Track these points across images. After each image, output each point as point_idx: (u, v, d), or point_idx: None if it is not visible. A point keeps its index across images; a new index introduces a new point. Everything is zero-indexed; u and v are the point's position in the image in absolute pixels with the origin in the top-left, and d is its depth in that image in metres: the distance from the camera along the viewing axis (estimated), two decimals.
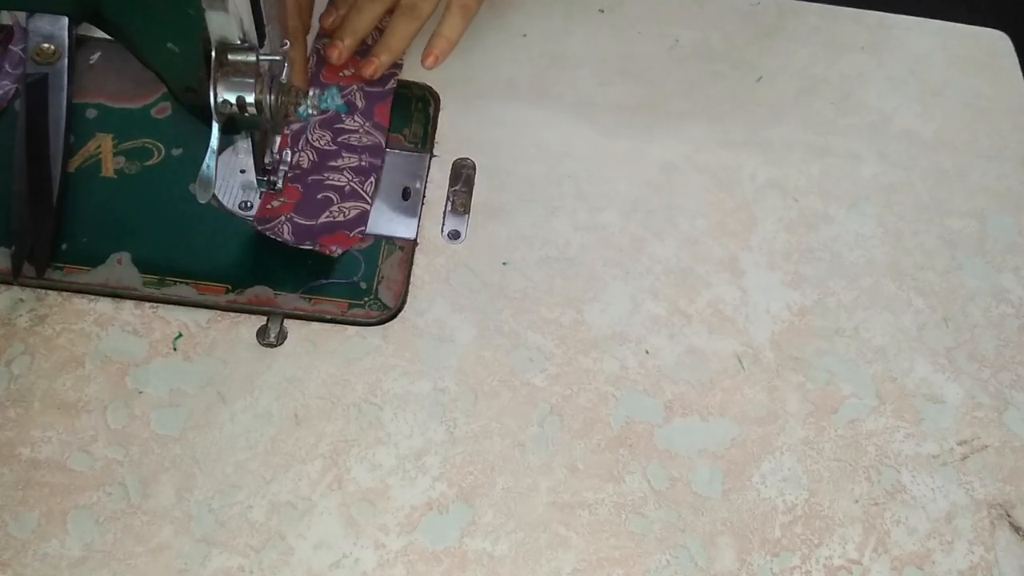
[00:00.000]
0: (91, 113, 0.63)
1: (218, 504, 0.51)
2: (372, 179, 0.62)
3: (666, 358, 0.58)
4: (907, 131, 0.70)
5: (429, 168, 0.64)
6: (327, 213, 0.60)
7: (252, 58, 0.49)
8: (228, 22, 0.48)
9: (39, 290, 0.56)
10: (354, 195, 0.61)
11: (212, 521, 0.50)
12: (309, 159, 0.62)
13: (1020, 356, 0.60)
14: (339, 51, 0.65)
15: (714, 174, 0.66)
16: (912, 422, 0.57)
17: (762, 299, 0.61)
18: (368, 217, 0.60)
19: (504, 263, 0.60)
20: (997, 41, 0.75)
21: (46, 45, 0.63)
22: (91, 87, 0.64)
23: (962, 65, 0.74)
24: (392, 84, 0.66)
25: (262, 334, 0.56)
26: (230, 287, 0.57)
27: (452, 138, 0.65)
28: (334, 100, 0.61)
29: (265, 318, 0.57)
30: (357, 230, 0.60)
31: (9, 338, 0.54)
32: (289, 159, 0.61)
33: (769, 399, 0.57)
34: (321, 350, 0.56)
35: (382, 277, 0.59)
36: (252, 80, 0.50)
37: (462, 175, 0.64)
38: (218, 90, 0.50)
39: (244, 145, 0.57)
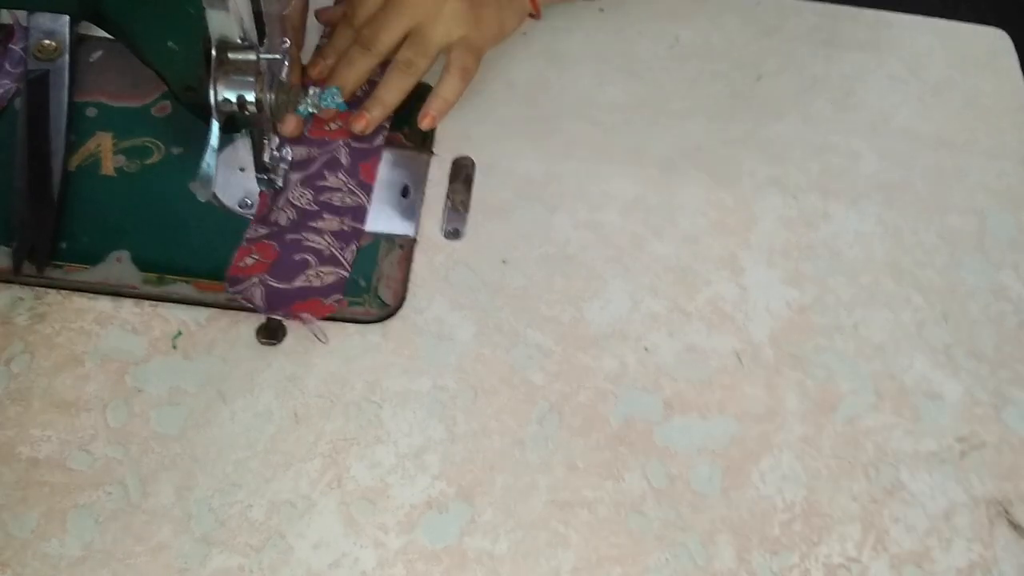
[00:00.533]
0: (91, 112, 0.63)
1: (218, 503, 0.51)
2: (354, 246, 0.59)
3: (665, 355, 0.58)
4: (907, 129, 0.70)
5: (429, 166, 0.64)
6: (303, 276, 0.57)
7: (252, 57, 0.50)
8: (228, 21, 0.48)
9: (39, 288, 0.56)
10: (333, 260, 0.58)
11: (212, 520, 0.50)
12: (288, 217, 0.59)
13: (1019, 353, 0.60)
14: (366, 121, 0.62)
15: (714, 172, 0.66)
16: (911, 419, 0.57)
17: (761, 296, 0.61)
18: (344, 284, 0.57)
19: (504, 261, 0.60)
20: (997, 40, 0.75)
21: (47, 42, 0.63)
22: (91, 86, 0.64)
23: (962, 64, 0.74)
24: (379, 141, 0.64)
25: (261, 332, 0.56)
26: (229, 285, 0.57)
27: (452, 136, 0.65)
28: (334, 99, 0.58)
29: (264, 316, 0.57)
30: (333, 298, 0.57)
31: (9, 336, 0.54)
32: (289, 157, 0.61)
33: (768, 396, 0.57)
34: (320, 348, 0.56)
35: (381, 275, 0.59)
36: (252, 79, 0.50)
37: (462, 173, 0.64)
38: (218, 89, 0.50)
39: (244, 143, 0.57)
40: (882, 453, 0.56)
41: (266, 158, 0.58)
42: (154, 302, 0.56)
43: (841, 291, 0.61)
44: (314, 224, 0.59)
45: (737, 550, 0.52)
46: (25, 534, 0.49)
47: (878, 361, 0.59)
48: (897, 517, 0.54)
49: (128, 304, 0.56)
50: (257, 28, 0.50)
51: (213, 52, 0.49)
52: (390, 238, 0.60)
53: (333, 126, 0.63)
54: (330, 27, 0.67)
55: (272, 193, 0.60)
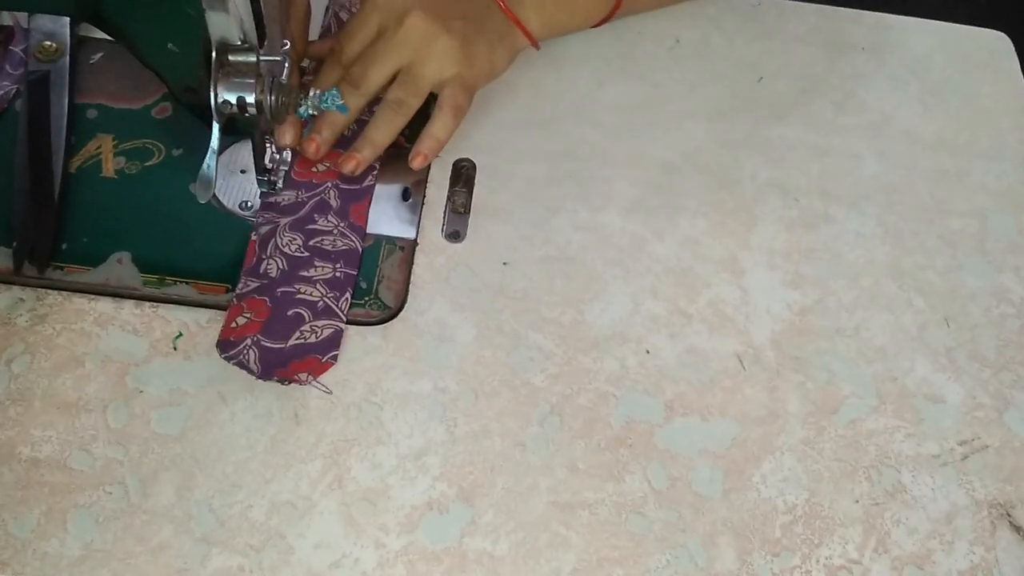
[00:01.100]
0: (92, 113, 0.63)
1: (218, 504, 0.51)
2: (348, 295, 0.57)
3: (666, 358, 0.58)
4: (907, 131, 0.70)
5: (429, 168, 0.64)
6: (297, 334, 0.55)
7: (252, 58, 0.50)
8: (228, 22, 0.48)
9: (39, 289, 0.56)
10: (328, 312, 0.56)
11: (212, 521, 0.50)
12: (278, 267, 0.57)
13: (1021, 356, 0.60)
14: (316, 145, 0.60)
15: (714, 174, 0.66)
16: (912, 422, 0.57)
17: (762, 299, 0.61)
18: (341, 338, 0.55)
19: (504, 263, 0.60)
20: (997, 41, 0.75)
21: (48, 43, 0.63)
22: (92, 87, 0.64)
23: (962, 65, 0.74)
24: (370, 181, 0.62)
25: None
26: (230, 287, 0.57)
27: (452, 138, 0.65)
28: (334, 101, 0.57)
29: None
30: (330, 355, 0.55)
31: (9, 337, 0.54)
32: (289, 159, 0.61)
33: (769, 399, 0.57)
34: None
35: (382, 277, 0.59)
36: (252, 80, 0.50)
37: (462, 175, 0.64)
38: (218, 90, 0.50)
39: (244, 145, 0.57)
40: (884, 455, 0.56)
41: (267, 160, 0.58)
42: (155, 303, 0.56)
43: (842, 293, 0.61)
44: (306, 273, 0.57)
45: (738, 552, 0.52)
46: (25, 534, 0.49)
47: (879, 363, 0.59)
48: (899, 519, 0.54)
49: (129, 305, 0.56)
50: (257, 30, 0.50)
51: (213, 54, 0.49)
52: (391, 240, 0.60)
53: (321, 167, 0.61)
54: (317, 62, 0.65)
55: (259, 239, 0.58)
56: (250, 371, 0.53)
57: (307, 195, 0.60)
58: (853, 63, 0.73)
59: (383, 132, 0.61)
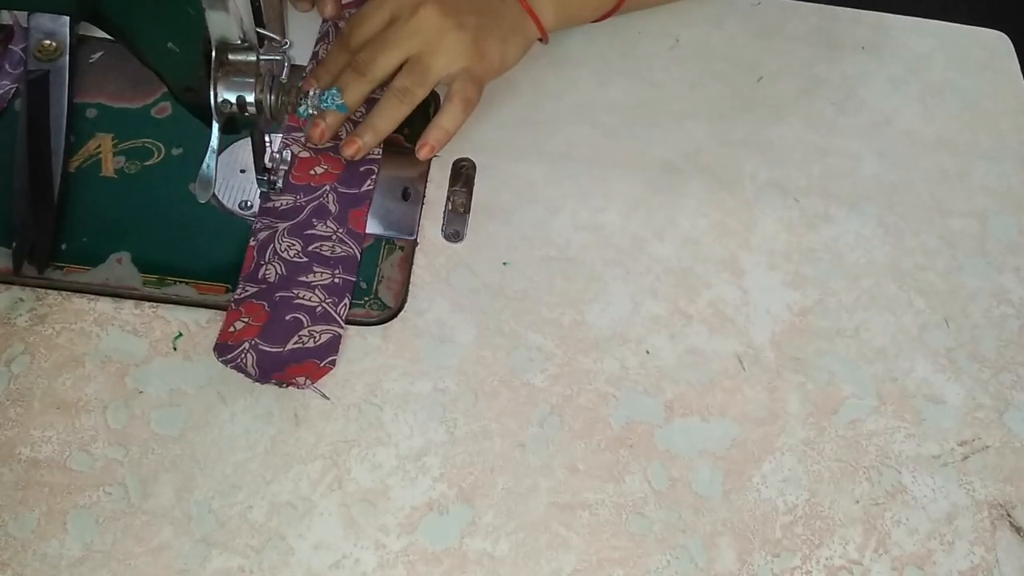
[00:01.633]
0: (91, 113, 0.63)
1: (218, 504, 0.51)
2: (346, 300, 0.57)
3: (666, 358, 0.58)
4: (907, 131, 0.70)
5: (429, 168, 0.64)
6: (296, 339, 0.55)
7: (252, 58, 0.49)
8: (228, 22, 0.48)
9: (39, 289, 0.56)
10: (326, 317, 0.55)
11: (212, 521, 0.50)
12: (277, 272, 0.57)
13: (1021, 356, 0.60)
14: (321, 129, 0.61)
15: (714, 174, 0.66)
16: (913, 422, 0.57)
17: (762, 299, 0.61)
18: (340, 343, 0.55)
19: (504, 263, 0.60)
20: (997, 41, 0.75)
21: (48, 42, 0.63)
22: (91, 86, 0.64)
23: (962, 65, 0.74)
24: (368, 186, 0.61)
25: None
26: (230, 287, 0.57)
27: (452, 138, 0.65)
28: (334, 100, 0.57)
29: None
30: (328, 359, 0.54)
31: (9, 337, 0.54)
32: (289, 158, 0.61)
33: (770, 399, 0.57)
34: None
35: (382, 277, 0.59)
36: (252, 80, 0.50)
37: (462, 175, 0.64)
38: (218, 90, 0.50)
39: (244, 145, 0.57)
40: (884, 456, 0.56)
41: (266, 160, 0.58)
42: (154, 303, 0.56)
43: (842, 294, 0.61)
44: (304, 279, 0.57)
45: (738, 552, 0.52)
46: (25, 534, 0.49)
47: (880, 364, 0.59)
48: (899, 520, 0.54)
49: (128, 305, 0.56)
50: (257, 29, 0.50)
51: (213, 53, 0.49)
52: (391, 240, 0.60)
53: (319, 170, 0.61)
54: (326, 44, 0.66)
55: (257, 245, 0.58)
56: (248, 374, 0.53)
57: (305, 199, 0.60)
58: (853, 63, 0.73)
59: (386, 119, 0.61)
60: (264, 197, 0.60)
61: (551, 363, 0.57)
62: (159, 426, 0.53)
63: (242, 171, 0.61)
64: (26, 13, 0.63)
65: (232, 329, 0.55)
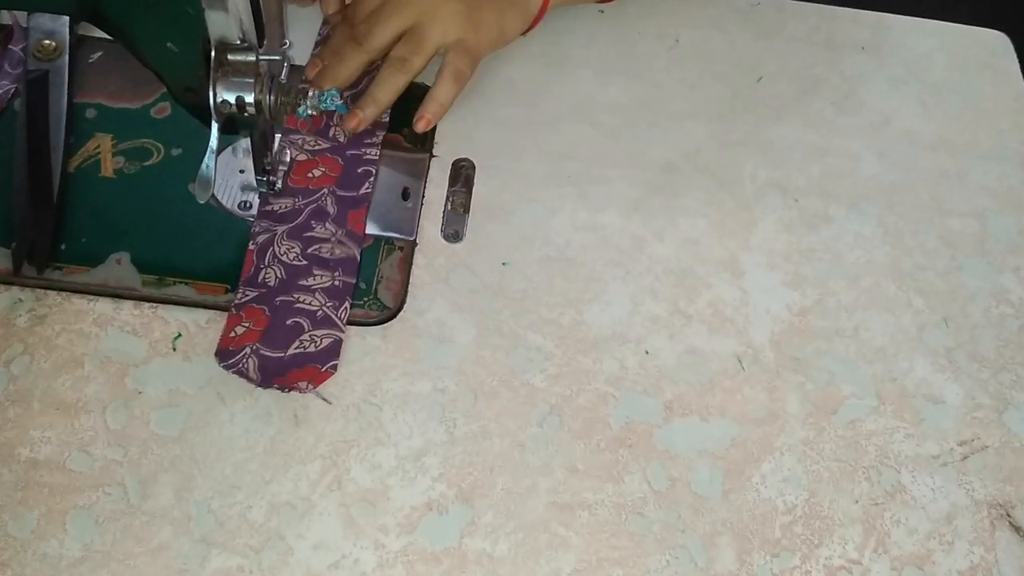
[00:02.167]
0: (90, 113, 0.63)
1: (217, 504, 0.51)
2: (347, 304, 0.56)
3: (666, 358, 0.58)
4: (907, 131, 0.70)
5: (429, 168, 0.64)
6: (297, 343, 0.54)
7: (252, 58, 0.49)
8: (228, 22, 0.48)
9: (38, 290, 0.56)
10: (327, 322, 0.55)
11: (211, 521, 0.50)
12: (276, 276, 0.56)
13: (1020, 356, 0.60)
14: (358, 119, 0.61)
15: (714, 174, 0.66)
16: (912, 422, 0.57)
17: (762, 299, 0.61)
18: (341, 347, 0.55)
19: (504, 263, 0.60)
20: (997, 41, 0.75)
21: (47, 42, 0.63)
22: (91, 87, 0.64)
23: (962, 65, 0.74)
24: (367, 188, 0.61)
25: None
26: (229, 287, 0.57)
27: (452, 138, 0.65)
28: (334, 101, 0.56)
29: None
30: (329, 364, 0.54)
31: (8, 338, 0.54)
32: (288, 159, 0.61)
33: (769, 399, 0.57)
34: None
35: (381, 277, 0.59)
36: (252, 80, 0.50)
37: (462, 175, 0.64)
38: (218, 90, 0.50)
39: (243, 145, 0.57)
40: (883, 456, 0.56)
41: (265, 161, 0.58)
42: (154, 304, 0.56)
43: (842, 294, 0.61)
44: (304, 282, 0.57)
45: (738, 552, 0.52)
46: (25, 535, 0.49)
47: (879, 364, 0.59)
48: (898, 519, 0.54)
49: (128, 306, 0.56)
50: (256, 29, 0.50)
51: (212, 53, 0.49)
52: (390, 240, 0.60)
53: (317, 172, 0.61)
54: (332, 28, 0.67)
55: (256, 249, 0.58)
56: (249, 379, 0.53)
57: (304, 202, 0.60)
58: (853, 63, 0.73)
59: (385, 90, 0.61)
60: (263, 199, 0.60)
61: (551, 363, 0.57)
62: (158, 426, 0.53)
63: (241, 171, 0.61)
64: (26, 13, 0.63)
65: (233, 334, 0.54)
